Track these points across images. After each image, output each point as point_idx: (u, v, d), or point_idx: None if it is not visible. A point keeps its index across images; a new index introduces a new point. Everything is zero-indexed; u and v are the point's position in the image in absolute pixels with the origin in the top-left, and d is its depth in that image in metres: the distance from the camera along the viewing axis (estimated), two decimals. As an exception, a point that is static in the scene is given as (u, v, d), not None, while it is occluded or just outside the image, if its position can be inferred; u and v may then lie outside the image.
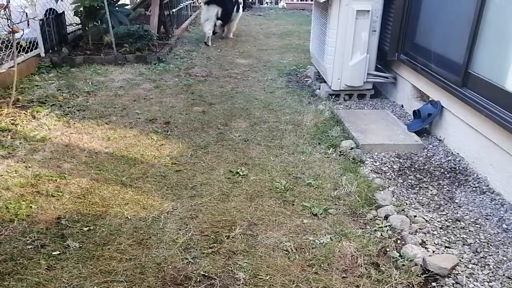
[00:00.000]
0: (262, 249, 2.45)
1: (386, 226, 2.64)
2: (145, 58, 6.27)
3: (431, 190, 3.07)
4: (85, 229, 2.57)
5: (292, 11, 12.80)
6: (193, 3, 12.24)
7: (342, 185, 3.08)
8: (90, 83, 5.29)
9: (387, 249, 2.46)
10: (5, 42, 4.84)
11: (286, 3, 13.95)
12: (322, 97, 4.94)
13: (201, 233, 2.56)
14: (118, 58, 6.20)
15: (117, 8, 6.43)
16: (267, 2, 13.88)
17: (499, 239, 2.54)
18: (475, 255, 2.40)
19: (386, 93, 5.13)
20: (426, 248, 2.45)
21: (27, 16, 5.37)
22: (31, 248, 2.40)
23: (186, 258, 2.35)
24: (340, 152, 3.59)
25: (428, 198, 2.97)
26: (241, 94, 5.10)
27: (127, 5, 8.10)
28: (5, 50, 4.95)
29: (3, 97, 4.57)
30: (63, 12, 6.63)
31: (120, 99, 4.81)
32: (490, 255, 2.40)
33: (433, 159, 3.54)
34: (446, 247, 2.47)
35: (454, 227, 2.66)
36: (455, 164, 3.43)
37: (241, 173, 3.24)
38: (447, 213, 2.80)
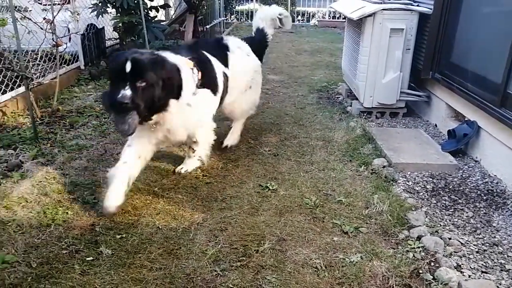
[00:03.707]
0: (291, 265, 2.43)
1: (418, 247, 2.57)
2: (179, 72, 6.41)
3: (467, 212, 2.97)
4: (118, 236, 2.62)
5: (324, 29, 12.86)
6: (226, 20, 12.50)
7: (373, 204, 3.03)
8: (125, 95, 5.44)
9: (420, 271, 2.39)
10: (48, 54, 5.07)
11: (317, 20, 14.01)
12: (354, 114, 4.91)
13: (230, 246, 2.57)
14: (153, 72, 6.36)
15: (153, 24, 6.64)
16: (298, 20, 14.00)
17: (540, 266, 2.43)
18: (514, 282, 2.30)
19: (419, 112, 5.04)
20: (461, 272, 2.37)
21: (69, 30, 5.65)
22: (66, 253, 2.47)
23: (215, 270, 2.36)
24: (372, 170, 3.54)
25: (463, 221, 2.88)
26: (271, 109, 5.13)
27: (163, 21, 8.35)
28: (48, 62, 5.19)
29: (45, 107, 4.78)
30: (103, 27, 6.92)
31: (153, 111, 4.92)
32: (530, 283, 2.30)
33: (468, 180, 3.43)
34: (483, 272, 2.38)
35: (491, 252, 2.56)
36: (493, 187, 3.32)
37: (270, 187, 3.25)
38: (484, 237, 2.70)
